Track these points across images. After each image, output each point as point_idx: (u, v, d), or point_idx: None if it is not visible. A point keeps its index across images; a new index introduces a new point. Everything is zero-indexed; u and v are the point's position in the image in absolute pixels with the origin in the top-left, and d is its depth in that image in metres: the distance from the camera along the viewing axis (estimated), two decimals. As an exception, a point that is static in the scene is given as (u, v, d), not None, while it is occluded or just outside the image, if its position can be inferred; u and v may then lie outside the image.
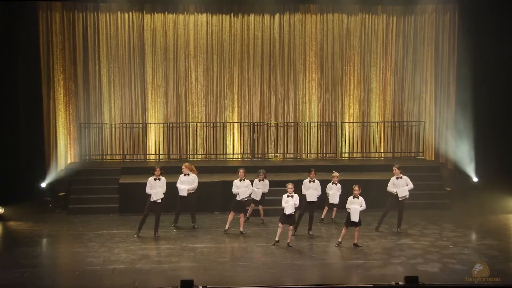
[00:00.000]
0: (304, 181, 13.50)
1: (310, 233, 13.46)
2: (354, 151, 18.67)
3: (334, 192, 14.13)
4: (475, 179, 17.35)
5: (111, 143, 17.96)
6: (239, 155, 18.43)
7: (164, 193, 13.23)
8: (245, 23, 18.14)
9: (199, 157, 18.29)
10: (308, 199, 13.31)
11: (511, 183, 16.16)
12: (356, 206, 12.46)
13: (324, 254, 12.34)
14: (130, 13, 17.75)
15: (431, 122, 18.61)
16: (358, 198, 12.53)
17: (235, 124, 18.37)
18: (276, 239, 12.68)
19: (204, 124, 18.28)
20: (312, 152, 18.58)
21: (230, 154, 18.38)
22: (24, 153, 16.69)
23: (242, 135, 18.42)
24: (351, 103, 18.61)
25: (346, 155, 18.63)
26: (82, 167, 16.95)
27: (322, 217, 14.60)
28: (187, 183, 13.79)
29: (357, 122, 18.59)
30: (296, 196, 12.60)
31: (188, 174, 13.83)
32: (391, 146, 18.71)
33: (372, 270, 11.30)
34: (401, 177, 13.63)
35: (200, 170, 14.52)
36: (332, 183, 14.25)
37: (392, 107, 18.65)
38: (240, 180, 13.54)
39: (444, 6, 18.21)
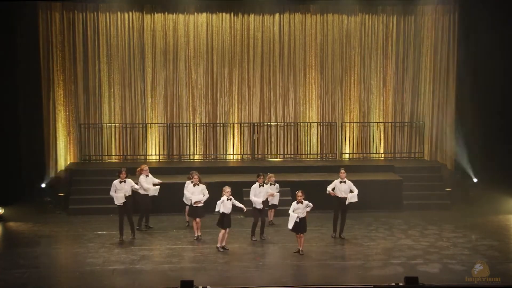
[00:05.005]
0: (253, 186, 13.08)
1: (263, 237, 13.17)
2: (354, 152, 18.66)
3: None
4: (475, 180, 17.34)
5: (111, 143, 17.95)
6: (239, 155, 18.42)
7: (127, 196, 13.04)
8: (245, 24, 18.13)
9: (199, 158, 18.29)
10: (258, 207, 13.00)
11: (511, 183, 16.16)
12: (295, 214, 11.97)
13: (324, 255, 12.32)
14: (130, 13, 17.74)
15: (431, 123, 18.60)
16: (302, 203, 12.09)
17: (235, 125, 18.36)
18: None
19: (204, 124, 18.27)
20: (312, 152, 18.56)
21: (230, 154, 18.36)
22: (24, 154, 16.68)
23: (242, 136, 18.40)
24: (351, 104, 18.59)
25: (346, 155, 18.61)
26: (82, 167, 16.96)
27: (271, 219, 14.28)
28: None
29: (357, 122, 18.58)
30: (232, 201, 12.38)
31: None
32: (391, 146, 18.69)
33: (372, 271, 11.30)
34: (344, 182, 13.21)
35: (200, 170, 14.48)
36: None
37: (392, 108, 18.63)
38: (194, 185, 13.16)
39: (443, 6, 18.18)
